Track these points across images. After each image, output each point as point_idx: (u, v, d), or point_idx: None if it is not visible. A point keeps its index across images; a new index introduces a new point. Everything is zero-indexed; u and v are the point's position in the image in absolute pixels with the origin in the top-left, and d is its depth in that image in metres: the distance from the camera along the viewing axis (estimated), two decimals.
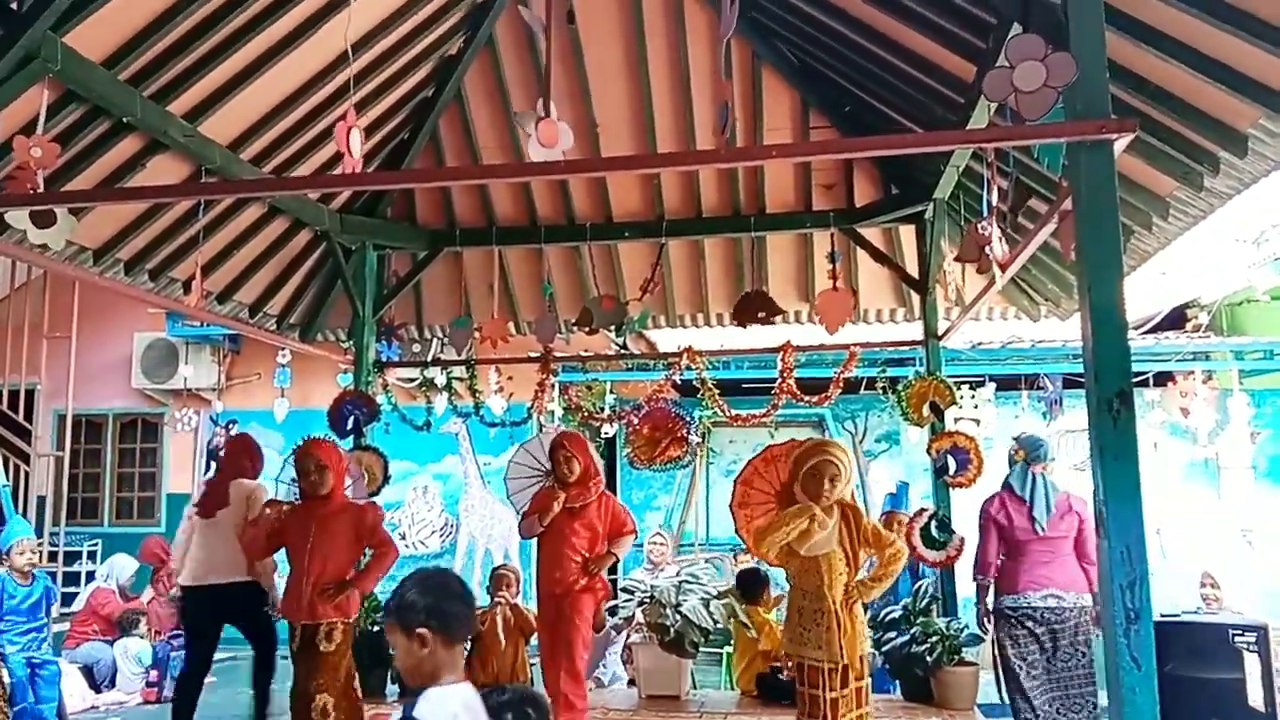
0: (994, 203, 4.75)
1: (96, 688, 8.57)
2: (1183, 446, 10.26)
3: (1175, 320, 10.74)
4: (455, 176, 6.72)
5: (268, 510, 4.90)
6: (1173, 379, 9.72)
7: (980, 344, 9.88)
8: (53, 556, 10.28)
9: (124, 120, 4.94)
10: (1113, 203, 3.04)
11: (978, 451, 6.23)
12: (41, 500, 10.62)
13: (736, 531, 4.57)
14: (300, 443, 4.96)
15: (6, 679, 5.88)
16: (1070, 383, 9.67)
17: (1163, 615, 5.64)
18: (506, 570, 6.33)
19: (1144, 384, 9.60)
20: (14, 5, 3.97)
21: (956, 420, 9.43)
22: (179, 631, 9.21)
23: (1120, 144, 3.07)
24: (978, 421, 9.82)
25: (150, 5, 4.59)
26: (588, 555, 5.11)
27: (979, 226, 4.79)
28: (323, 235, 6.96)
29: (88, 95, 4.67)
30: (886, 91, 6.10)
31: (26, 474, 10.78)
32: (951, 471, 6.20)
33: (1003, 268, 4.65)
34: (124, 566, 8.99)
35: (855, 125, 6.49)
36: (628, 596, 6.21)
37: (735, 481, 4.55)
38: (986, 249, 4.73)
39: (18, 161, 4.01)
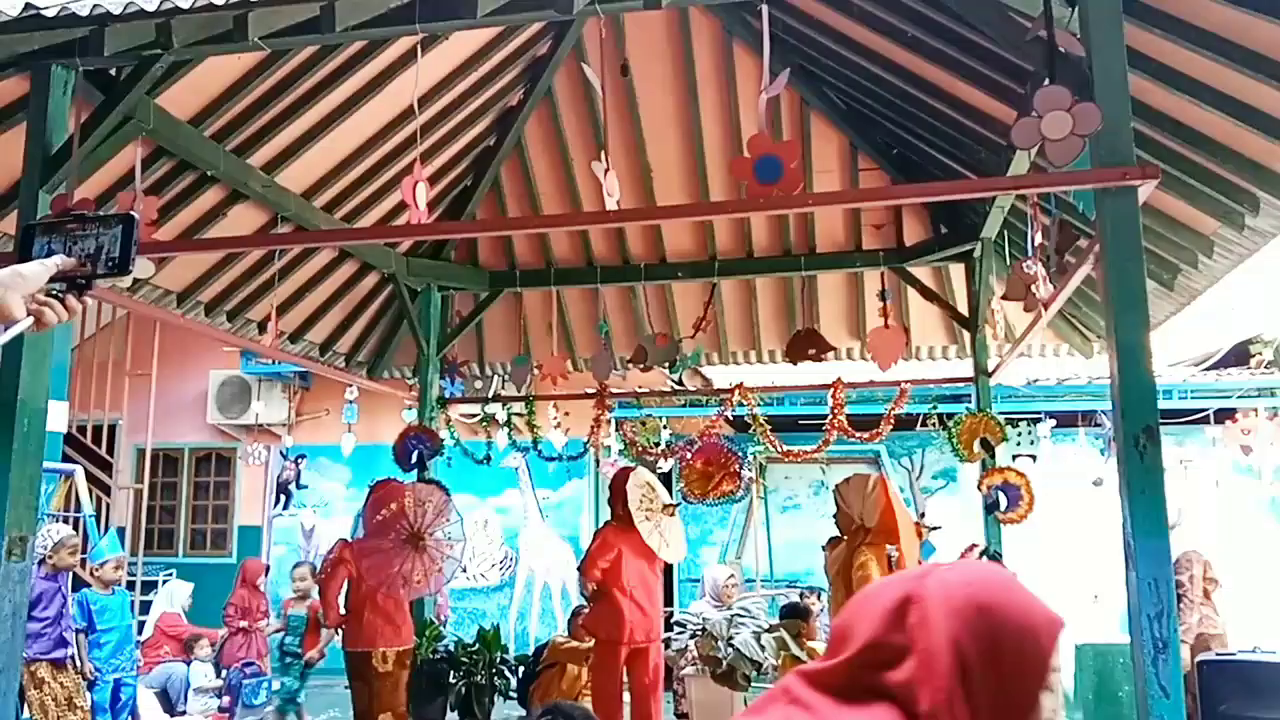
0: (1037, 243, 4.86)
1: (171, 709, 8.86)
2: (1248, 484, 10.08)
3: (1239, 356, 10.59)
4: (514, 226, 7.01)
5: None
6: (1233, 416, 9.58)
7: (1037, 381, 9.86)
8: (131, 585, 10.69)
9: (208, 173, 5.31)
10: (1137, 246, 3.15)
11: (1029, 488, 6.27)
12: (121, 530, 11.09)
13: None
14: (382, 482, 5.28)
15: (88, 701, 6.18)
16: None
17: (1218, 654, 5.64)
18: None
19: (1205, 420, 9.48)
20: (114, 73, 4.32)
21: (1014, 458, 9.42)
22: (251, 660, 9.54)
23: (1144, 190, 3.18)
24: (1034, 458, 9.79)
25: (232, 68, 4.95)
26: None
27: (1024, 265, 4.90)
28: (389, 277, 7.28)
29: (176, 151, 5.05)
30: (932, 135, 6.24)
31: (108, 505, 11.29)
32: (1002, 508, 6.25)
33: (1045, 306, 4.75)
34: (179, 591, 9.37)
35: (903, 166, 6.63)
36: (680, 629, 6.35)
37: None
38: (1032, 287, 4.84)
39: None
